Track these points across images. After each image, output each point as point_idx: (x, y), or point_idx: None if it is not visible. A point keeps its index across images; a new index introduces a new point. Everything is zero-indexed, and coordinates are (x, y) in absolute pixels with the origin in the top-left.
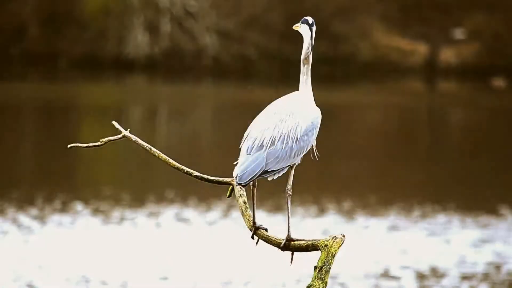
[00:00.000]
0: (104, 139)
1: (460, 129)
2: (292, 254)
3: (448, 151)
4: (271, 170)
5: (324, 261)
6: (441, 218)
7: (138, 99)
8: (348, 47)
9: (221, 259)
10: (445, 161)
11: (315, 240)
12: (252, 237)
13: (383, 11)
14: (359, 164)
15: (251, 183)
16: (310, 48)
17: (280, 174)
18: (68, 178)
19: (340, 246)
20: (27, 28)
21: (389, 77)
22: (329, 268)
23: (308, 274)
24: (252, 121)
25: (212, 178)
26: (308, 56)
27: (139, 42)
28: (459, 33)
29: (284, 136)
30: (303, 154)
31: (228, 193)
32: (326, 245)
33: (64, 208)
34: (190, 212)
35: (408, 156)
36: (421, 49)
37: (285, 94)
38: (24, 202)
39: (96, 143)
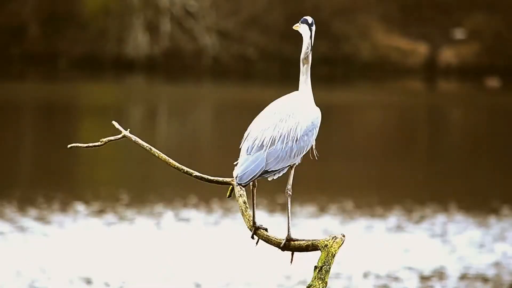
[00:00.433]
0: (104, 139)
1: (460, 129)
2: (292, 254)
3: (448, 151)
4: (271, 170)
5: (324, 261)
6: (441, 218)
7: (138, 99)
8: (348, 47)
9: (221, 259)
10: (445, 161)
11: (315, 240)
12: (252, 237)
13: (383, 11)
14: (359, 164)
15: (251, 183)
16: (310, 48)
17: (280, 174)
18: (68, 178)
19: (340, 246)
20: (27, 28)
21: (389, 77)
22: (329, 268)
23: (308, 274)
24: (252, 121)
25: (212, 178)
26: (307, 56)
27: (139, 42)
28: (459, 33)
29: (284, 136)
30: (303, 154)
31: (228, 193)
32: (326, 245)
33: (64, 208)
34: (190, 212)
35: (408, 156)
36: (421, 49)
37: (285, 94)
38: (24, 202)
39: (96, 143)
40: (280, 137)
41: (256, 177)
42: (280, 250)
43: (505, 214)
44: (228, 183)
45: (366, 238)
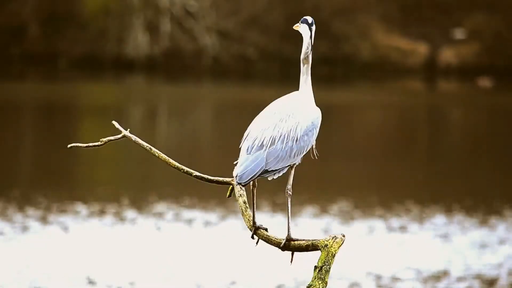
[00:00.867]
0: (104, 139)
1: (460, 129)
2: (292, 254)
3: (448, 151)
4: (271, 169)
5: (324, 261)
6: (441, 218)
7: (138, 99)
8: (348, 47)
9: (221, 259)
10: (446, 161)
11: (315, 240)
12: (252, 237)
13: (383, 11)
14: (359, 164)
15: (251, 183)
16: (310, 47)
17: (280, 174)
18: (68, 178)
19: (340, 246)
20: (27, 28)
21: (389, 77)
22: (329, 268)
23: (308, 274)
24: (252, 121)
25: (212, 178)
26: (308, 56)
27: (139, 42)
28: (459, 33)
29: (284, 136)
30: (303, 154)
31: (228, 193)
32: (326, 245)
33: (64, 208)
34: (190, 212)
35: (408, 156)
36: (421, 49)
37: (285, 94)
38: (24, 202)
39: (96, 143)
40: (280, 137)
41: (256, 176)
42: (280, 250)
43: (506, 214)
44: (228, 183)
45: (366, 238)
